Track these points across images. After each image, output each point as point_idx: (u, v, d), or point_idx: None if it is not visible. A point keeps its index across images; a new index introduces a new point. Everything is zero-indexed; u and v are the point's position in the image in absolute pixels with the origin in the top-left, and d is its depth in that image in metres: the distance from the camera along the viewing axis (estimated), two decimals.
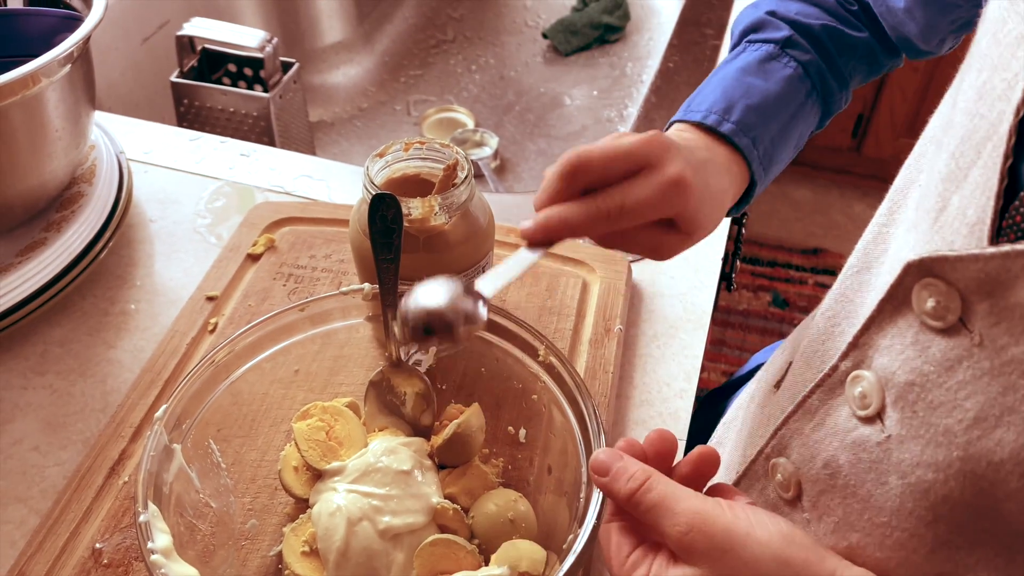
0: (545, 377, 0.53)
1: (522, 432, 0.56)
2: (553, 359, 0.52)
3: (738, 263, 1.02)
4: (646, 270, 0.74)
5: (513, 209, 0.79)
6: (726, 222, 0.80)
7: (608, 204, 0.45)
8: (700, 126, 0.54)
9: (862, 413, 0.37)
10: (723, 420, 0.60)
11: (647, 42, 1.35)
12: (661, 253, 0.50)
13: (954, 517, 0.33)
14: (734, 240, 1.01)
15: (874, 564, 0.37)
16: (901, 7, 0.55)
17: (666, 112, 0.92)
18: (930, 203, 0.35)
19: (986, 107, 0.33)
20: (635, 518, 0.40)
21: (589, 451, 0.48)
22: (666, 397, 0.64)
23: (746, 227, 1.05)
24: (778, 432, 0.44)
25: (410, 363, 0.57)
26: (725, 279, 0.96)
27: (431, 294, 0.44)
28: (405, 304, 0.45)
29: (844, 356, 0.38)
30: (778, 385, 0.49)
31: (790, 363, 0.49)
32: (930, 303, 0.32)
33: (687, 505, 0.37)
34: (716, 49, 1.03)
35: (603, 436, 0.48)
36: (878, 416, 0.36)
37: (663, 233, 0.49)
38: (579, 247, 0.72)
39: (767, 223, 2.23)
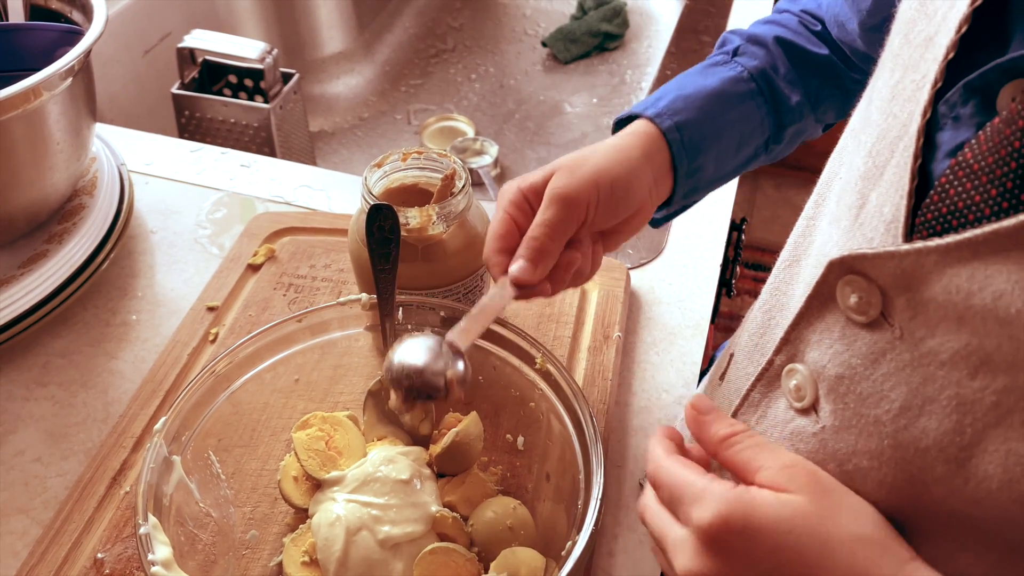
0: (542, 384, 0.53)
1: (520, 440, 0.56)
2: (550, 367, 0.53)
3: (738, 269, 1.02)
4: (644, 277, 0.74)
5: None
6: (723, 232, 0.80)
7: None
8: (629, 119, 0.55)
9: (798, 405, 0.38)
10: (680, 417, 0.61)
11: (646, 49, 1.36)
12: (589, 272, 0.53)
13: (890, 500, 0.34)
14: (734, 246, 1.01)
15: None
16: (852, 26, 0.55)
17: None
18: (851, 199, 0.36)
19: (898, 107, 0.34)
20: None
21: (586, 458, 0.48)
22: (665, 404, 0.65)
23: (746, 233, 1.05)
24: None
25: None
26: (725, 285, 0.96)
27: (413, 355, 0.47)
28: (389, 366, 0.47)
29: (778, 351, 0.39)
30: (722, 377, 0.51)
31: (732, 355, 0.50)
32: (853, 299, 0.34)
33: (790, 454, 0.37)
34: None
35: (599, 442, 0.48)
36: (813, 408, 0.37)
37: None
38: None
39: (770, 228, 2.23)
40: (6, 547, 0.55)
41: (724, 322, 1.97)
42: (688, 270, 0.75)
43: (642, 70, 1.32)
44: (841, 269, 0.34)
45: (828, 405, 0.36)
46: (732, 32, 0.61)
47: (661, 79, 1.00)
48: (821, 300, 0.36)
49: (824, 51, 0.60)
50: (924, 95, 0.32)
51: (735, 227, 0.98)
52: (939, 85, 0.32)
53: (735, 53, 0.58)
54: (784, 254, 0.45)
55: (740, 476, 0.37)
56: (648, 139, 0.53)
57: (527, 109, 1.30)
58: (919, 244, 0.30)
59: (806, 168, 2.33)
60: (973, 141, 0.31)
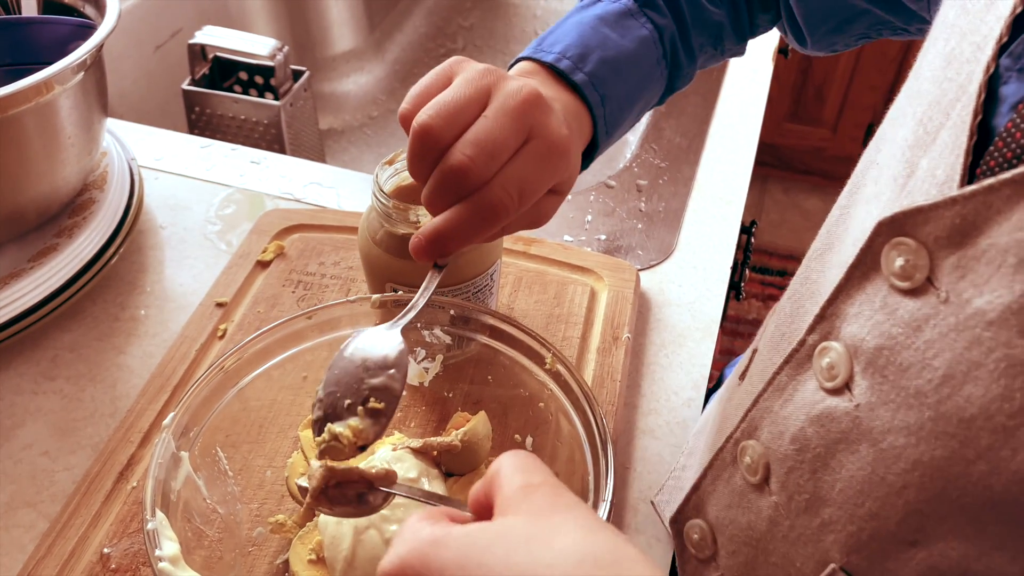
0: (552, 385, 0.53)
1: (529, 440, 0.56)
2: (560, 367, 0.52)
3: (747, 272, 1.02)
4: (654, 279, 0.74)
5: None
6: (734, 234, 0.80)
7: (501, 200, 0.42)
8: (551, 68, 0.50)
9: (829, 385, 0.37)
10: (695, 430, 0.60)
11: None
12: (540, 222, 0.48)
13: (924, 484, 0.33)
14: (743, 249, 1.01)
15: (846, 537, 0.37)
16: None
17: (675, 120, 0.93)
18: (896, 171, 0.36)
19: (954, 71, 0.34)
20: None
21: (596, 459, 0.48)
22: (674, 406, 0.64)
23: (755, 236, 1.05)
24: (748, 414, 0.43)
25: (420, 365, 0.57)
26: (734, 288, 0.96)
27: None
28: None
29: (811, 329, 0.38)
30: (743, 376, 0.50)
31: (755, 351, 0.49)
32: (899, 262, 0.33)
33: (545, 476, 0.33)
34: None
35: (610, 445, 0.47)
36: (846, 386, 0.36)
37: (542, 200, 0.47)
38: (587, 255, 0.72)
39: (777, 232, 2.23)
40: (13, 540, 0.55)
41: (731, 326, 1.97)
42: (698, 272, 0.75)
43: None
44: (890, 231, 0.33)
45: (865, 381, 0.35)
46: None
47: None
48: (863, 269, 0.35)
49: (720, 11, 0.58)
50: (987, 52, 0.32)
51: (745, 230, 0.98)
52: (1004, 40, 0.32)
53: (644, 3, 0.55)
54: (815, 244, 0.44)
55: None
56: (573, 105, 0.50)
57: None
58: (989, 180, 0.29)
59: (816, 172, 2.32)
60: None
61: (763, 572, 0.43)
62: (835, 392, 0.37)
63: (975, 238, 0.30)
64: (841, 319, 0.37)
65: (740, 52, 0.62)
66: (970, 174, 0.32)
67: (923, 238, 0.32)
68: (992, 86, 0.32)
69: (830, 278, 0.39)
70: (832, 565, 0.38)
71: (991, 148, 0.32)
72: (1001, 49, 0.32)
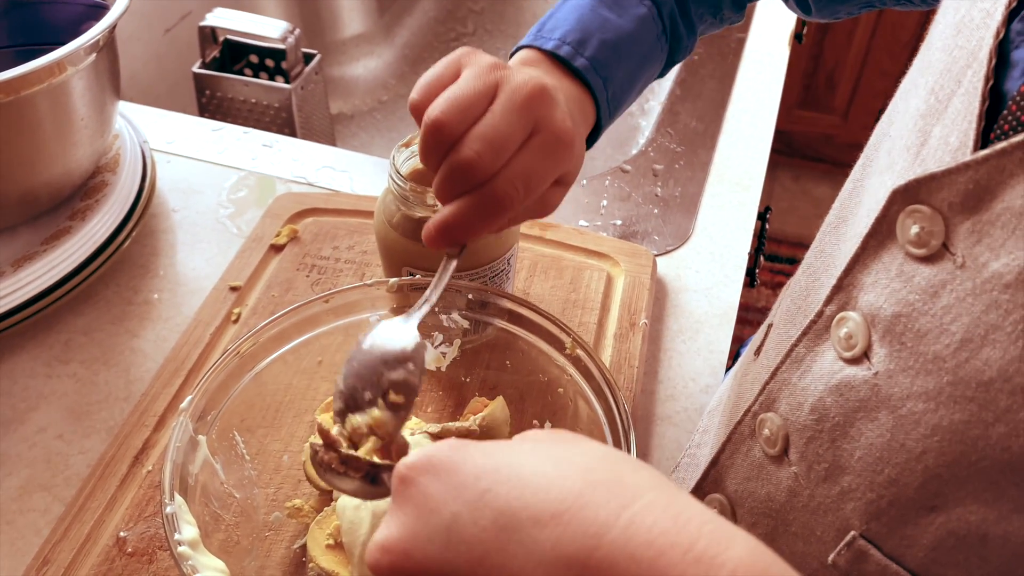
0: (572, 370, 0.52)
1: (547, 425, 0.55)
2: (580, 352, 0.52)
3: (761, 259, 1.01)
4: (671, 264, 0.73)
5: None
6: (751, 219, 0.79)
7: (508, 191, 0.43)
8: (552, 56, 0.51)
9: (847, 355, 0.37)
10: (708, 408, 0.60)
11: None
12: (546, 212, 0.48)
13: (943, 448, 0.33)
14: (757, 236, 1.00)
15: (865, 505, 0.37)
16: None
17: (691, 104, 0.92)
18: (909, 141, 0.36)
19: (964, 39, 0.34)
20: None
21: (618, 445, 0.48)
22: (691, 392, 0.64)
23: (769, 223, 1.04)
24: (766, 387, 0.44)
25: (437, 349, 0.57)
26: (748, 275, 0.95)
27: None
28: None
29: (828, 300, 0.38)
30: (758, 352, 0.50)
31: (770, 326, 0.49)
32: (914, 230, 0.33)
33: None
34: (741, 42, 1.02)
35: (632, 431, 0.47)
36: (864, 355, 0.37)
37: (547, 191, 0.47)
38: (603, 240, 0.71)
39: (787, 220, 2.22)
40: (29, 524, 0.55)
41: (741, 313, 1.96)
42: (715, 258, 0.74)
43: None
44: (904, 199, 0.33)
45: (883, 349, 0.35)
46: None
47: (688, 64, 0.99)
48: (879, 239, 0.35)
49: None
50: (997, 17, 0.32)
51: (760, 217, 0.97)
52: (1013, 5, 0.32)
53: None
54: (829, 218, 0.44)
55: None
56: (576, 92, 0.50)
57: None
58: (1002, 144, 0.29)
59: (826, 159, 2.31)
60: None
61: (783, 543, 0.44)
62: (853, 361, 0.37)
63: (989, 202, 0.30)
64: (858, 289, 0.37)
65: (739, 19, 0.62)
66: (983, 139, 0.32)
67: (938, 205, 0.32)
68: (1003, 51, 0.32)
69: (845, 249, 0.40)
70: (852, 533, 0.38)
71: (1004, 112, 0.31)
72: (1011, 15, 0.32)
